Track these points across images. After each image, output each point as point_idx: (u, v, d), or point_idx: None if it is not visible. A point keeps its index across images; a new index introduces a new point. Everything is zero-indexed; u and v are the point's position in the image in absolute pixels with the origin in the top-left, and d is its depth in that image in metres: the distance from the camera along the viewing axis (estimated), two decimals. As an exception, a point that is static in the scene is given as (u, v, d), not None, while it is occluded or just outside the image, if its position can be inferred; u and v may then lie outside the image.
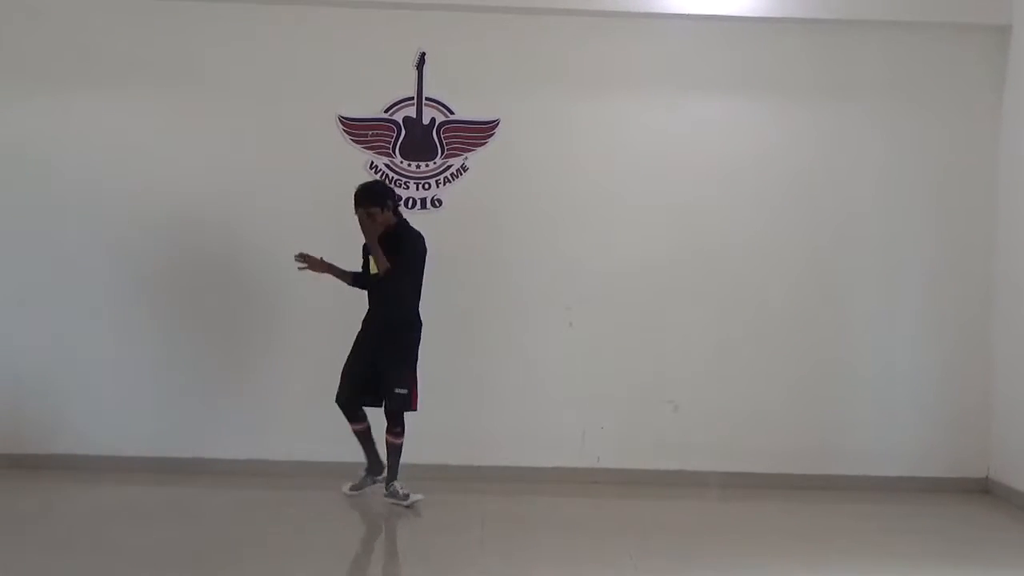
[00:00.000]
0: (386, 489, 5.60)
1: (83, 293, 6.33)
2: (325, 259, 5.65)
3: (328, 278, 5.70)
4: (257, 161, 6.35)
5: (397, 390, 5.52)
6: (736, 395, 6.40)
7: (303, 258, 5.60)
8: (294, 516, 5.38)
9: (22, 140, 6.33)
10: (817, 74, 6.43)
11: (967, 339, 6.45)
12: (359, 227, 5.53)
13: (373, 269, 5.58)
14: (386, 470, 5.65)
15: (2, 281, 6.33)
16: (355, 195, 5.56)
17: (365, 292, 5.71)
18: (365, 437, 5.69)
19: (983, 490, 6.37)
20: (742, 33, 6.37)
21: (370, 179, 6.16)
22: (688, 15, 6.27)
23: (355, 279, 5.73)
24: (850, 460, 6.42)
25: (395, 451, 5.57)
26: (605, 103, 6.40)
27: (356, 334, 5.67)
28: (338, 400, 5.63)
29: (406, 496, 5.53)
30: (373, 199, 5.53)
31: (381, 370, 5.55)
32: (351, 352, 5.66)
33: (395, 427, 5.54)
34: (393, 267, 5.49)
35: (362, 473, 5.77)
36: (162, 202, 6.34)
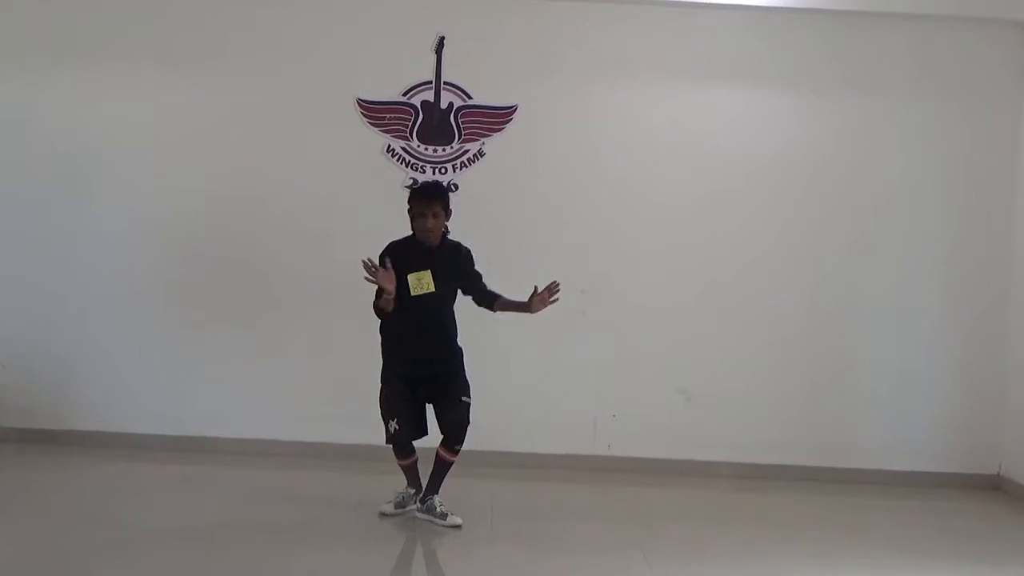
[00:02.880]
0: (422, 503, 5.13)
1: (99, 271, 6.36)
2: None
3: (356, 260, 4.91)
4: (275, 143, 6.35)
5: (463, 398, 5.03)
6: (749, 387, 6.39)
7: (372, 268, 4.79)
8: (304, 497, 5.39)
9: (43, 120, 6.36)
10: (839, 67, 6.38)
11: (981, 335, 6.42)
12: (421, 233, 4.95)
13: (420, 289, 4.93)
14: (426, 484, 5.16)
15: (18, 257, 6.36)
16: (422, 191, 5.00)
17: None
18: (414, 470, 5.22)
19: (994, 487, 6.36)
20: (765, 23, 6.33)
21: (390, 164, 6.16)
22: (712, 4, 6.23)
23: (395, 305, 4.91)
24: (862, 454, 6.41)
25: (446, 468, 5.08)
26: (624, 91, 6.38)
27: (394, 365, 5.07)
28: (396, 439, 5.06)
29: (444, 515, 5.05)
30: (443, 198, 4.98)
31: (441, 384, 5.05)
32: (399, 385, 5.04)
33: (456, 443, 5.01)
34: (494, 296, 5.12)
35: (409, 491, 5.23)
36: (179, 182, 6.35)
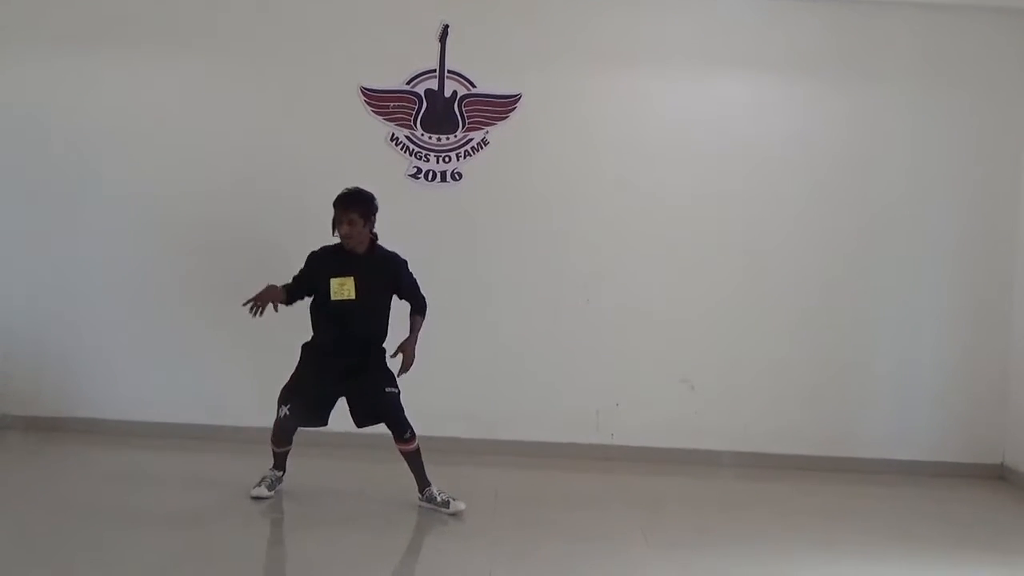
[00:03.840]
0: (421, 495, 5.15)
1: (101, 260, 6.37)
2: (273, 289, 5.03)
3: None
4: (278, 131, 6.34)
5: (387, 388, 5.05)
6: (752, 376, 6.39)
7: (253, 304, 4.98)
8: (306, 485, 5.40)
9: (41, 109, 6.36)
10: (846, 56, 6.35)
11: (985, 325, 6.41)
12: (342, 239, 5.03)
13: (341, 294, 4.99)
14: (417, 480, 5.16)
15: (23, 247, 6.36)
16: (339, 198, 5.03)
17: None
18: (284, 456, 5.28)
19: (998, 476, 6.36)
20: (773, 10, 6.31)
21: (394, 153, 6.16)
22: (716, -9, 6.23)
23: (288, 301, 5.10)
24: (866, 443, 6.41)
25: (414, 457, 5.12)
26: (629, 80, 6.36)
27: (311, 356, 5.12)
28: (284, 424, 5.09)
29: (447, 503, 5.08)
30: (358, 205, 5.00)
31: (357, 384, 5.06)
32: (308, 373, 5.09)
33: (403, 432, 5.05)
34: (422, 307, 5.20)
35: (276, 473, 5.27)
36: (180, 171, 6.35)
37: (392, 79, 6.33)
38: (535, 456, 6.24)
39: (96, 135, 6.34)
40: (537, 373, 6.38)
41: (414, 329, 5.21)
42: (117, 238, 6.36)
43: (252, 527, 4.83)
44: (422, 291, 5.25)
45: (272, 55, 6.34)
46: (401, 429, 5.06)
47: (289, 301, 5.11)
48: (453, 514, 5.05)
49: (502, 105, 6.35)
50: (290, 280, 5.14)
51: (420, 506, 5.14)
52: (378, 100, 6.34)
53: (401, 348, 5.11)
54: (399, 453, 5.13)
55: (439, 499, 5.10)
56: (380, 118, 6.35)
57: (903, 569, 4.63)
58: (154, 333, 6.38)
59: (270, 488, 5.18)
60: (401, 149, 6.34)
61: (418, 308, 5.26)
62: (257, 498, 5.12)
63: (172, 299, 6.37)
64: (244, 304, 4.96)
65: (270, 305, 4.99)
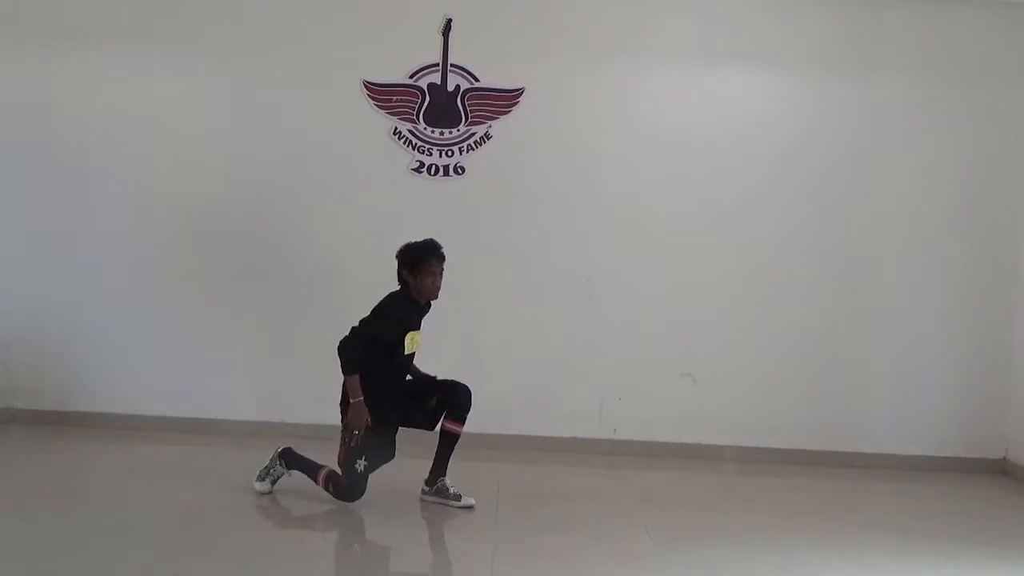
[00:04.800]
0: (430, 486, 5.12)
1: (105, 253, 6.37)
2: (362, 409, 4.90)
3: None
4: (281, 125, 6.35)
5: (439, 377, 5.13)
6: (755, 370, 6.39)
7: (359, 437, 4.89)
8: (309, 479, 5.40)
9: (45, 103, 6.35)
10: (851, 50, 6.36)
11: (988, 320, 6.42)
12: (433, 291, 4.98)
13: (411, 348, 4.99)
14: (432, 465, 5.13)
15: (28, 240, 6.37)
16: (439, 250, 4.98)
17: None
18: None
19: (1001, 471, 6.36)
20: (776, 5, 6.30)
21: (397, 147, 6.15)
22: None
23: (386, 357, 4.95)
24: (869, 438, 6.41)
25: (454, 442, 5.08)
26: (632, 74, 6.36)
27: (382, 413, 4.96)
28: (366, 472, 4.96)
29: (458, 497, 5.06)
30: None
31: (411, 394, 5.11)
32: (382, 427, 4.98)
33: (466, 411, 5.02)
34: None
35: (281, 473, 5.17)
36: (185, 165, 6.36)
37: (395, 73, 6.33)
38: (537, 450, 6.25)
39: (99, 131, 6.34)
40: (540, 367, 6.39)
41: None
42: (120, 233, 6.37)
43: (255, 521, 4.83)
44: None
45: (275, 49, 6.33)
46: (467, 407, 5.03)
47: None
48: (463, 507, 5.04)
49: (505, 99, 6.34)
50: (358, 328, 4.94)
51: (423, 500, 5.14)
52: (381, 94, 6.34)
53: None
54: (442, 433, 5.07)
55: (452, 492, 5.08)
56: (383, 112, 6.34)
57: (905, 564, 4.63)
58: (158, 327, 6.39)
59: (274, 484, 5.17)
60: (404, 143, 6.34)
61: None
62: (261, 493, 5.13)
63: (176, 294, 6.38)
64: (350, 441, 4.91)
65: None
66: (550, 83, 6.33)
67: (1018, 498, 5.92)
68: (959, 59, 6.35)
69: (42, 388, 6.40)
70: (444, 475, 5.13)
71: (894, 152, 6.40)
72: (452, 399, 5.06)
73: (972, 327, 6.41)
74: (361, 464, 4.96)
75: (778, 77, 6.36)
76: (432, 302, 5.11)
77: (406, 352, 4.97)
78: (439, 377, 5.17)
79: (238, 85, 6.35)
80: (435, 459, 5.13)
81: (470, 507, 5.06)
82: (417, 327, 5.02)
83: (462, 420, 5.06)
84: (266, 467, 5.17)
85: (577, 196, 6.37)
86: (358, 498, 5.01)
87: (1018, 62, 6.35)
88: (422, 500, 5.14)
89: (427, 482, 5.16)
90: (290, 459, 5.16)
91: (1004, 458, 6.39)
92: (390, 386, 5.02)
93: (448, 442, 5.10)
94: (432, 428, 5.14)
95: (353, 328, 4.93)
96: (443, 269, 5.00)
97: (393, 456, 5.08)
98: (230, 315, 6.39)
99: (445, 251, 5.03)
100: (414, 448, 5.18)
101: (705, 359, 6.42)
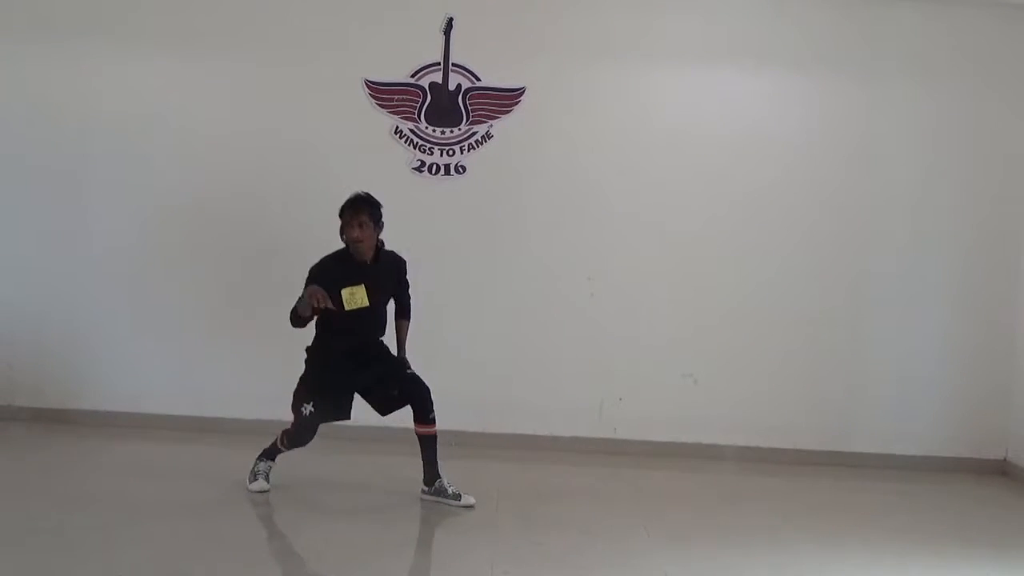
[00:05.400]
0: (430, 487, 5.13)
1: (109, 251, 6.37)
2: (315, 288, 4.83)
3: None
4: (282, 123, 6.34)
5: (409, 370, 5.12)
6: (756, 370, 6.39)
7: (318, 300, 4.78)
8: (310, 478, 5.41)
9: (44, 99, 6.35)
10: (852, 50, 6.34)
11: (989, 320, 6.41)
12: (350, 243, 4.95)
13: (355, 303, 4.90)
14: (423, 470, 5.14)
15: (26, 237, 6.37)
16: (349, 201, 4.95)
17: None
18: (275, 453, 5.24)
19: (1001, 472, 6.36)
20: (778, 4, 6.30)
21: (398, 146, 6.15)
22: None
23: (310, 318, 4.92)
24: (868, 438, 6.41)
25: (432, 443, 5.09)
26: (634, 73, 6.35)
27: (322, 358, 5.04)
28: (308, 423, 5.00)
29: (458, 496, 5.08)
30: (371, 209, 4.93)
31: (378, 370, 5.08)
32: (327, 371, 5.01)
33: (430, 412, 5.04)
34: (409, 310, 5.25)
35: (269, 464, 5.23)
36: (188, 164, 6.35)
37: (396, 72, 6.33)
38: (538, 450, 6.25)
39: (100, 130, 6.33)
40: (540, 366, 6.39)
41: (403, 340, 5.25)
42: (121, 232, 6.37)
43: (255, 519, 4.84)
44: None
45: (276, 47, 6.33)
46: (428, 408, 5.04)
47: (308, 322, 4.95)
48: (465, 507, 5.05)
49: (506, 98, 6.34)
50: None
51: (423, 499, 5.14)
52: (382, 93, 6.34)
53: (399, 349, 5.20)
54: (418, 437, 5.08)
55: (451, 491, 5.09)
56: (384, 111, 6.34)
57: (905, 564, 4.64)
58: (159, 325, 6.39)
59: (268, 479, 5.18)
60: (405, 142, 6.34)
61: (406, 312, 5.32)
62: (260, 491, 5.13)
63: (176, 292, 6.38)
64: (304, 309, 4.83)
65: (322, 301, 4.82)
66: (551, 83, 6.32)
67: (1018, 499, 5.92)
68: (961, 59, 6.35)
69: (42, 386, 6.40)
70: (439, 475, 5.13)
71: (895, 152, 6.39)
72: (412, 399, 5.06)
73: (973, 327, 6.41)
74: (307, 409, 4.98)
75: (779, 77, 6.36)
76: (406, 264, 5.17)
77: (346, 308, 4.88)
78: (410, 369, 5.14)
79: (239, 84, 6.35)
80: (423, 462, 5.14)
81: (470, 506, 5.07)
82: (357, 283, 4.91)
83: (428, 421, 5.06)
84: (252, 470, 5.19)
85: (578, 196, 6.37)
86: (303, 443, 5.07)
87: (1019, 62, 6.35)
88: (422, 500, 5.14)
89: (425, 483, 5.16)
90: (268, 452, 5.22)
91: (1004, 459, 6.39)
92: (337, 339, 5.00)
93: (426, 444, 5.11)
94: (383, 414, 5.16)
95: None
96: (364, 221, 4.89)
97: (347, 416, 5.07)
98: (230, 314, 6.39)
99: (369, 203, 4.95)
100: (413, 447, 5.19)
101: (706, 359, 6.42)
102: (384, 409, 5.17)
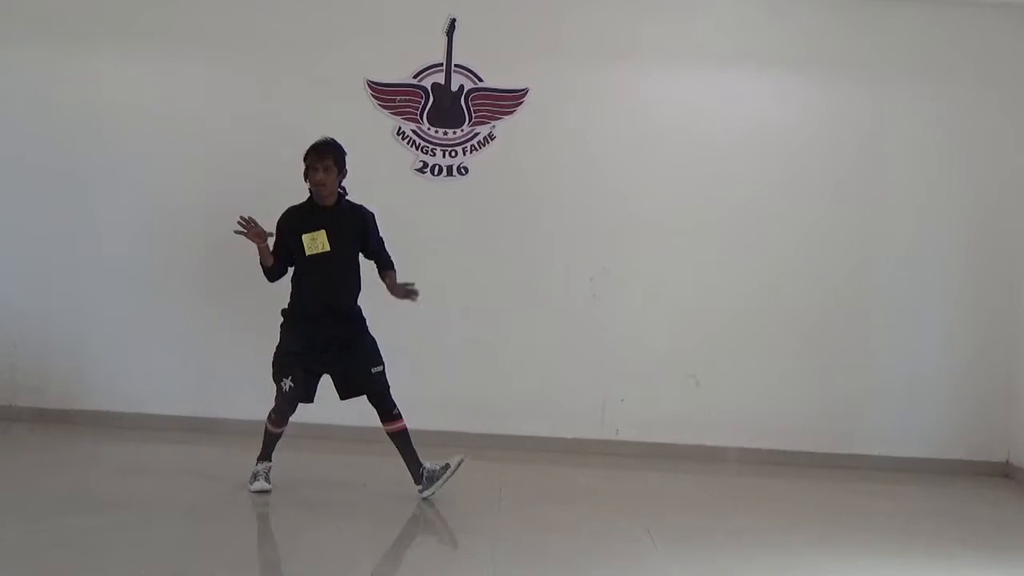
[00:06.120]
0: (421, 481, 5.08)
1: (112, 252, 6.38)
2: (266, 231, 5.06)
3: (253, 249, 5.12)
4: (285, 124, 6.32)
5: (374, 369, 5.05)
6: (758, 371, 6.39)
7: (246, 222, 5.03)
8: (309, 478, 5.41)
9: (49, 100, 6.36)
10: (858, 53, 6.34)
11: (991, 322, 6.40)
12: (313, 187, 5.01)
13: (315, 248, 4.97)
14: (408, 468, 5.11)
15: (30, 237, 6.38)
16: (315, 145, 5.01)
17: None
18: (276, 441, 5.21)
19: (1003, 474, 6.35)
20: (784, 4, 6.29)
21: (400, 146, 6.15)
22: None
23: (276, 265, 5.10)
24: (871, 440, 6.40)
25: (404, 438, 5.09)
26: (636, 75, 6.35)
27: (294, 325, 5.10)
28: (289, 396, 5.04)
29: (445, 467, 5.06)
30: (336, 154, 5.00)
31: (344, 357, 5.05)
32: (296, 344, 5.05)
33: (390, 409, 5.06)
34: (390, 264, 5.15)
35: (267, 465, 5.19)
36: (191, 165, 6.36)
37: (399, 73, 6.33)
38: (540, 451, 6.25)
39: (103, 132, 6.35)
40: (543, 368, 6.39)
41: (394, 281, 5.15)
42: (124, 233, 6.38)
43: (256, 519, 4.85)
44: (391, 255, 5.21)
45: (279, 49, 6.33)
46: (387, 406, 5.07)
47: (275, 271, 5.14)
48: (458, 464, 5.05)
49: (509, 99, 6.34)
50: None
51: (423, 498, 5.12)
52: (385, 94, 6.34)
53: (397, 291, 5.11)
54: (389, 437, 5.10)
55: (438, 467, 5.08)
56: (386, 112, 6.35)
57: (907, 566, 4.63)
58: (162, 326, 6.40)
59: (268, 480, 5.16)
60: (407, 143, 6.34)
61: (388, 265, 5.22)
62: (260, 492, 5.13)
63: (180, 292, 6.39)
64: (236, 230, 5.04)
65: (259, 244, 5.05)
66: (554, 84, 6.32)
67: (1021, 502, 5.91)
68: (962, 59, 6.34)
69: (45, 386, 6.40)
70: (422, 464, 5.10)
71: (896, 153, 6.39)
72: (373, 401, 5.09)
73: (975, 329, 6.40)
74: (287, 384, 5.04)
75: (780, 78, 6.36)
76: (368, 212, 5.15)
77: (307, 253, 4.97)
78: (376, 367, 5.09)
79: (242, 85, 6.36)
80: (404, 461, 5.12)
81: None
82: (318, 229, 4.99)
83: (392, 417, 5.08)
84: (252, 472, 5.18)
85: (580, 196, 6.36)
86: (284, 419, 5.11)
87: (1020, 62, 6.33)
88: (423, 500, 5.14)
89: (416, 481, 5.13)
90: (264, 451, 5.21)
91: (1007, 461, 6.37)
92: (308, 296, 5.06)
93: (398, 441, 5.12)
94: (342, 398, 5.17)
95: None
96: (329, 165, 4.97)
97: (308, 397, 5.10)
98: (233, 314, 6.38)
99: (333, 148, 5.03)
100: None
101: (708, 360, 6.41)
102: (342, 394, 5.17)
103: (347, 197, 5.16)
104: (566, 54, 6.33)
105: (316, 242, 4.98)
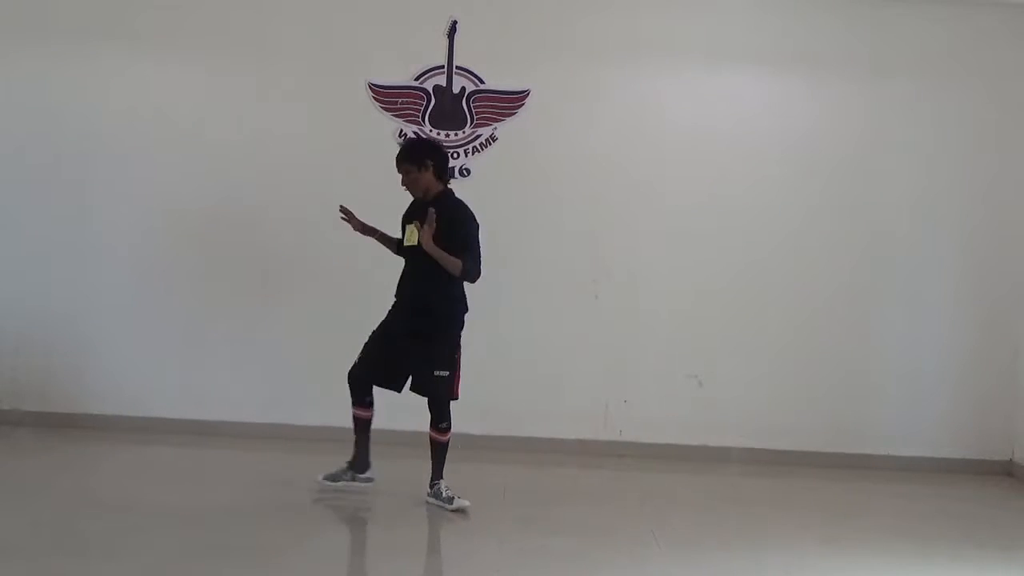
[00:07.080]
0: (429, 489, 5.13)
1: (114, 255, 6.37)
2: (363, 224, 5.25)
3: (370, 241, 5.31)
4: (286, 126, 6.34)
5: (436, 372, 5.03)
6: (761, 372, 6.38)
7: (346, 213, 5.25)
8: (315, 482, 5.41)
9: (52, 102, 6.35)
10: (860, 52, 6.34)
11: (995, 320, 6.40)
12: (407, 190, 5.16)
13: (410, 240, 5.08)
14: (431, 469, 5.14)
15: (30, 239, 6.37)
16: (397, 155, 5.17)
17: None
18: (364, 428, 5.22)
19: (1007, 472, 6.35)
20: (781, 6, 6.30)
21: (397, 146, 6.14)
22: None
23: (399, 247, 5.29)
24: (874, 439, 6.40)
25: (441, 449, 5.10)
26: (638, 76, 6.35)
27: (388, 309, 5.21)
28: (351, 375, 5.15)
29: (451, 499, 5.03)
30: (408, 156, 5.08)
31: (416, 351, 5.05)
32: (380, 327, 5.16)
33: (440, 421, 5.07)
34: (468, 269, 5.04)
35: (343, 465, 5.26)
36: (188, 167, 6.35)
37: (400, 75, 6.33)
38: (543, 453, 6.24)
39: (104, 134, 6.34)
40: (545, 369, 6.38)
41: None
42: (126, 236, 6.37)
43: (261, 522, 4.83)
44: (478, 266, 5.09)
45: (280, 51, 6.33)
46: (440, 417, 5.09)
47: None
48: (455, 511, 5.01)
49: (510, 101, 6.34)
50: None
51: (428, 502, 5.13)
52: (386, 96, 6.34)
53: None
54: (429, 438, 5.11)
55: (444, 495, 5.07)
56: (388, 114, 6.34)
57: (910, 565, 4.63)
58: (165, 329, 6.39)
59: (327, 478, 5.22)
60: (409, 146, 6.34)
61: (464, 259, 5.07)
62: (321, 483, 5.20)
63: (182, 296, 6.38)
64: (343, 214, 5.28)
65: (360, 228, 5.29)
66: (556, 85, 6.32)
67: (1024, 500, 5.92)
68: (961, 59, 6.34)
69: (48, 390, 6.39)
70: (440, 478, 5.12)
71: (897, 152, 6.39)
72: (429, 403, 5.11)
73: (978, 327, 6.40)
74: (356, 360, 5.17)
75: (780, 78, 6.35)
76: (460, 214, 5.15)
77: (405, 244, 5.16)
78: (440, 371, 5.08)
79: (243, 87, 6.35)
80: (431, 463, 5.15)
81: (462, 510, 5.02)
82: (415, 221, 5.08)
83: (437, 429, 5.10)
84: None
85: (582, 198, 6.37)
86: (354, 398, 5.18)
87: (1019, 62, 6.33)
88: (427, 503, 5.14)
89: (429, 485, 5.16)
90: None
91: (1011, 460, 6.37)
92: (401, 280, 5.21)
93: (434, 448, 5.13)
94: (398, 391, 5.16)
95: None
96: (408, 170, 5.09)
97: (391, 383, 5.12)
98: (236, 317, 6.39)
99: (405, 153, 5.16)
100: (415, 450, 5.21)
101: (710, 361, 6.41)
102: (412, 387, 5.14)
103: (451, 191, 5.22)
104: (568, 55, 6.32)
105: (412, 235, 5.09)
